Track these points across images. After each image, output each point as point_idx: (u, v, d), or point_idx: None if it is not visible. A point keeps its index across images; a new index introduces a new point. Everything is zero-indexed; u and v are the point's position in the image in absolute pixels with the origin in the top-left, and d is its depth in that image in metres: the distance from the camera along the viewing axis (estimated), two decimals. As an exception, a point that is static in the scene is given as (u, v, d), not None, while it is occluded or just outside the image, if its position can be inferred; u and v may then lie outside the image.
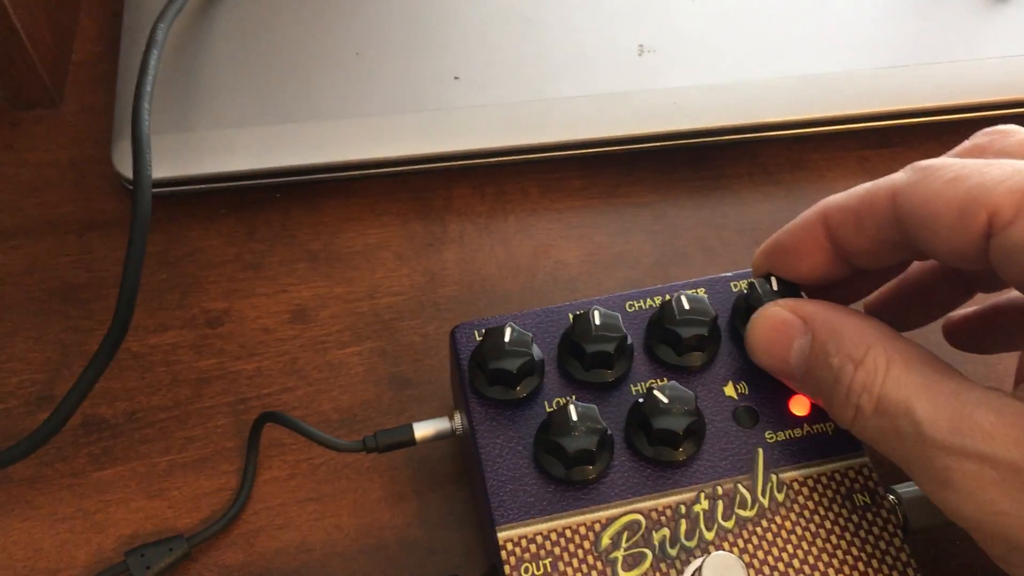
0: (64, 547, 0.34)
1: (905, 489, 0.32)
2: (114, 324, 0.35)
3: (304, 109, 0.42)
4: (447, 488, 0.35)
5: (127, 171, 0.40)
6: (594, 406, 0.30)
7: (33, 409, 0.37)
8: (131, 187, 0.41)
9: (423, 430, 0.34)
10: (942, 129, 0.44)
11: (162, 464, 0.36)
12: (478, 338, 0.33)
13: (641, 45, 0.44)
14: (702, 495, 0.30)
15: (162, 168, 0.40)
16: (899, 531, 0.30)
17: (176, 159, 0.40)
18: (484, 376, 0.32)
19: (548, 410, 0.32)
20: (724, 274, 0.35)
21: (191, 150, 0.41)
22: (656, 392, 0.31)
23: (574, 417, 0.30)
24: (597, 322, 0.32)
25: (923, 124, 0.44)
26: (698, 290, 0.34)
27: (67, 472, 0.35)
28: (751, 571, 0.29)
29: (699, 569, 0.28)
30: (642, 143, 0.43)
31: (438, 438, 0.34)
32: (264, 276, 0.40)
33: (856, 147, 0.44)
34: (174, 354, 0.38)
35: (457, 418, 0.34)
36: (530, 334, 0.32)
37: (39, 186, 0.42)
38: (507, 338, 0.31)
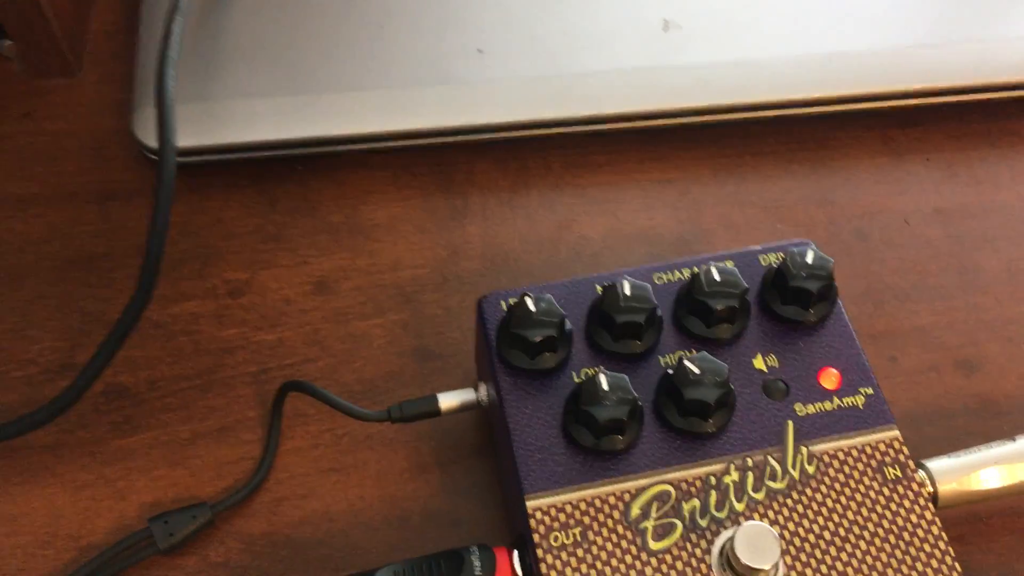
0: (86, 514, 0.34)
1: (935, 463, 0.31)
2: (138, 291, 0.35)
3: (326, 80, 0.42)
4: (471, 460, 0.35)
5: (148, 139, 0.40)
6: (624, 376, 0.30)
7: (54, 376, 0.36)
8: (151, 156, 0.40)
9: (448, 401, 0.33)
10: (966, 109, 0.44)
11: (184, 433, 0.35)
12: (505, 308, 0.33)
13: (666, 20, 0.44)
14: (732, 466, 0.30)
15: (183, 137, 0.39)
16: (930, 504, 0.30)
17: (197, 128, 0.40)
18: (512, 346, 0.31)
19: (576, 380, 0.31)
20: (753, 247, 0.34)
21: (212, 119, 0.41)
22: (687, 363, 0.30)
23: (605, 386, 0.30)
24: (627, 292, 0.32)
25: (948, 104, 0.43)
26: (727, 263, 0.34)
27: (88, 440, 0.35)
28: (782, 542, 0.29)
29: (731, 539, 0.28)
30: (666, 119, 0.42)
31: (463, 409, 0.34)
32: (285, 247, 0.40)
33: (881, 126, 0.44)
34: (195, 324, 0.38)
35: (482, 389, 0.33)
36: (556, 302, 0.32)
37: (58, 155, 0.42)
38: (535, 307, 0.31)
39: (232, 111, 0.41)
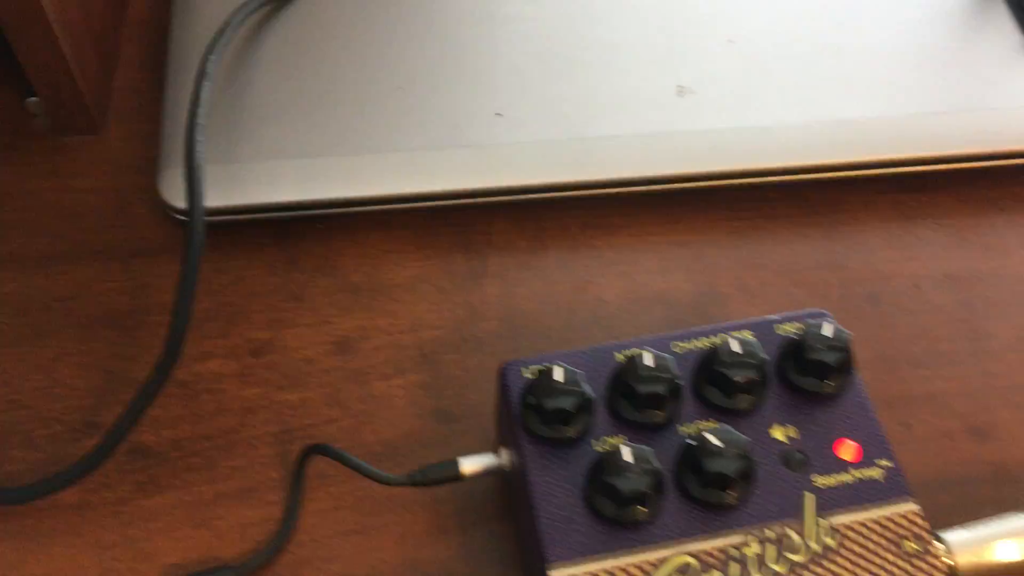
0: (108, 575, 0.34)
1: (954, 536, 0.32)
2: (166, 351, 0.35)
3: (348, 142, 0.42)
4: (491, 524, 0.35)
5: (175, 200, 0.40)
6: (649, 448, 0.31)
7: (79, 435, 0.37)
8: (177, 216, 0.41)
9: (470, 465, 0.34)
10: (976, 175, 0.45)
11: (208, 493, 0.36)
12: (526, 376, 0.33)
13: (680, 86, 0.45)
14: (752, 538, 0.31)
15: (208, 198, 0.40)
16: (948, 578, 0.30)
17: (221, 189, 0.41)
18: (536, 415, 0.32)
19: (597, 449, 0.32)
20: (770, 316, 0.35)
21: (236, 181, 0.41)
22: (708, 435, 0.31)
23: (628, 458, 0.30)
24: (650, 363, 0.32)
25: (957, 170, 0.44)
26: (744, 332, 0.34)
27: (113, 500, 0.36)
28: (802, 616, 0.29)
29: (753, 613, 0.28)
30: (681, 183, 0.43)
31: (485, 474, 0.34)
32: (307, 307, 0.41)
33: (892, 190, 0.45)
34: (218, 383, 0.38)
35: (503, 454, 0.34)
36: (582, 373, 0.32)
37: (83, 212, 0.43)
38: (560, 377, 0.32)
39: (256, 172, 0.41)
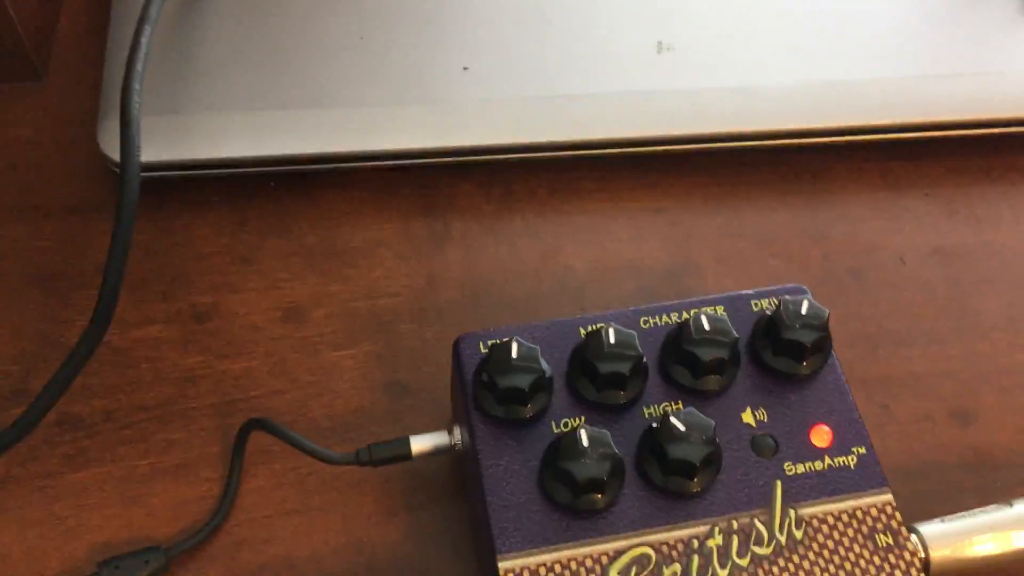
0: (33, 554, 0.32)
1: (928, 528, 0.30)
2: (96, 317, 0.33)
3: (303, 95, 0.40)
4: (442, 504, 0.33)
5: (113, 153, 0.38)
6: (606, 431, 0.29)
7: (6, 404, 0.34)
8: (117, 170, 0.38)
9: (420, 444, 0.32)
10: (967, 143, 0.42)
11: (141, 468, 0.34)
12: (483, 351, 0.31)
13: (660, 42, 0.42)
14: (716, 529, 0.29)
15: (151, 151, 0.38)
16: (921, 574, 0.28)
17: (166, 142, 0.38)
18: (489, 393, 0.30)
19: (556, 431, 0.30)
20: (745, 291, 0.33)
21: (183, 133, 0.39)
22: (672, 419, 0.29)
23: (585, 442, 0.28)
24: (612, 340, 0.30)
25: (949, 138, 0.42)
26: (717, 308, 0.32)
27: (39, 473, 0.33)
28: (767, 614, 0.27)
29: (713, 612, 0.26)
30: (658, 145, 0.41)
31: (436, 453, 0.32)
32: (255, 270, 0.38)
33: (879, 158, 0.43)
34: (157, 350, 0.36)
35: (457, 432, 0.32)
36: (538, 348, 0.30)
37: (19, 165, 0.40)
38: (515, 354, 0.30)
39: (204, 125, 0.39)
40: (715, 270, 0.39)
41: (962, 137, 0.42)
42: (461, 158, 0.40)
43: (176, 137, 0.38)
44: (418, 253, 0.39)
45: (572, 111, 0.40)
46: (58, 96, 0.42)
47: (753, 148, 0.41)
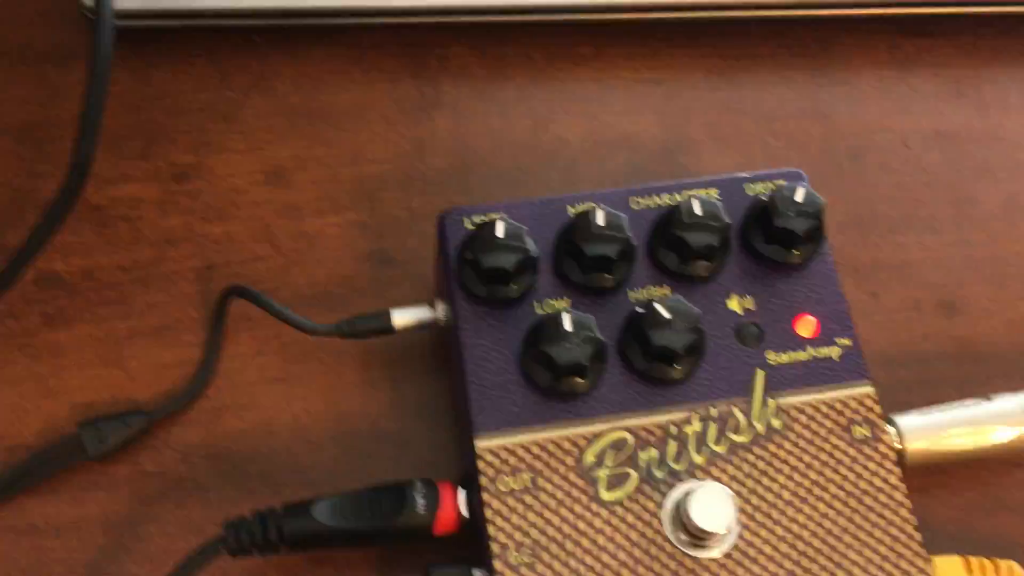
0: (14, 412, 0.32)
1: (905, 419, 0.30)
2: (71, 172, 0.32)
3: (290, -58, 0.38)
4: (424, 378, 0.33)
5: (88, -1, 0.36)
6: (590, 316, 0.28)
7: (-16, 259, 0.34)
8: (92, 15, 0.36)
9: (402, 318, 0.31)
10: (984, 21, 0.41)
11: (121, 330, 0.33)
12: (468, 227, 0.30)
13: (669, -101, 0.40)
14: (695, 416, 0.29)
15: (128, -1, 0.36)
16: (895, 468, 0.29)
17: (144, -11, 0.36)
18: (473, 272, 0.29)
19: (539, 312, 0.30)
20: (740, 174, 0.32)
21: (161, -20, 0.37)
22: (658, 305, 0.28)
23: (567, 327, 0.28)
24: (600, 222, 0.29)
25: (964, 14, 0.40)
26: (710, 191, 0.31)
27: (18, 331, 0.33)
28: (738, 499, 0.28)
29: (685, 497, 0.27)
30: (660, 12, 0.39)
31: (418, 328, 0.32)
32: (237, 130, 0.37)
33: (889, 31, 0.41)
34: (136, 209, 0.35)
35: (440, 307, 0.31)
36: (525, 228, 0.29)
37: (-10, 6, 0.38)
38: (501, 233, 0.29)
39: (183, -28, 0.37)
40: (711, 147, 0.38)
41: (978, 15, 0.40)
42: (455, 18, 0.38)
43: (154, -16, 0.36)
44: (406, 117, 0.38)
45: (572, -29, 0.38)
46: (29, -67, 0.39)
47: (759, 18, 0.40)
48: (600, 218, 0.29)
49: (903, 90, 0.40)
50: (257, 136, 0.37)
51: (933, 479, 0.33)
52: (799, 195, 0.30)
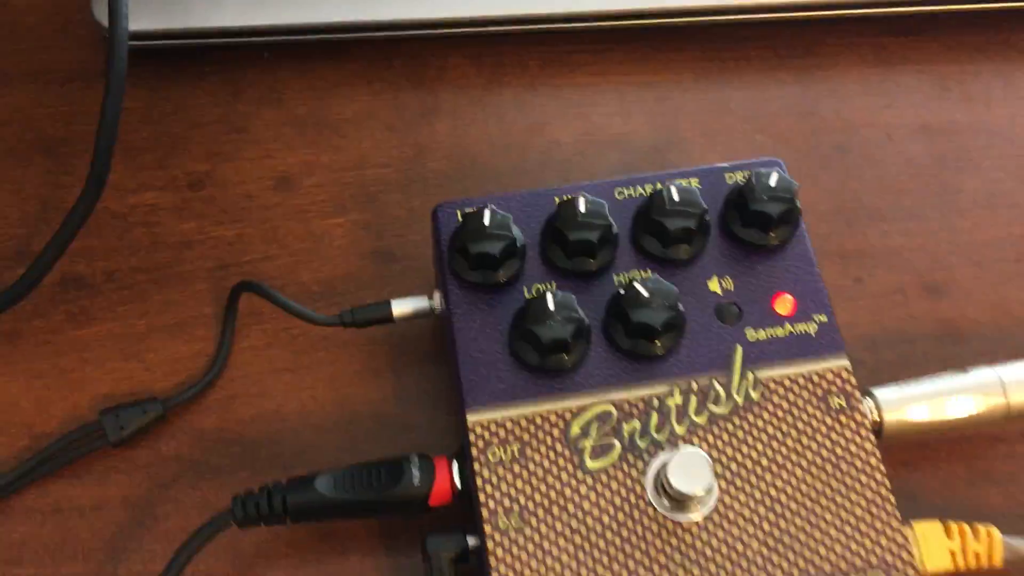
0: (40, 403, 0.34)
1: (883, 391, 0.31)
2: (90, 180, 0.34)
3: (296, -36, 0.40)
4: (425, 366, 0.35)
5: (105, 19, 0.38)
6: (572, 295, 0.30)
7: (11, 264, 0.36)
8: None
9: (401, 308, 0.33)
10: (967, 19, 0.42)
11: (140, 326, 0.35)
12: (460, 218, 0.32)
13: (656, -88, 0.42)
14: (676, 389, 0.30)
15: (145, 20, 0.38)
16: (871, 436, 0.30)
17: (160, 11, 0.39)
18: (463, 259, 0.31)
19: (527, 296, 0.31)
20: (720, 164, 0.34)
21: (177, 2, 0.39)
22: (637, 285, 0.30)
23: (551, 306, 0.29)
24: (582, 209, 0.31)
25: (948, 12, 0.41)
26: (691, 180, 0.33)
27: (44, 329, 0.35)
28: (718, 467, 0.29)
29: (665, 464, 0.28)
30: (651, 18, 0.41)
31: (417, 317, 0.33)
32: (249, 140, 0.39)
33: (874, 32, 0.42)
34: (154, 215, 0.37)
35: (437, 297, 0.33)
36: (511, 216, 0.31)
37: (18, 32, 0.41)
38: (487, 221, 0.31)
39: (196, -6, 0.39)
40: (700, 145, 0.40)
41: (960, 12, 0.41)
42: (453, 30, 0.40)
43: (170, 6, 0.39)
44: (407, 125, 0.40)
45: (564, -17, 0.40)
46: (55, -36, 0.42)
47: (746, 22, 0.41)
48: (582, 205, 0.31)
49: (888, 87, 0.41)
50: (267, 145, 0.39)
51: (918, 453, 0.34)
52: (773, 180, 0.31)
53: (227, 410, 0.34)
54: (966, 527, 0.30)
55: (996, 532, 0.30)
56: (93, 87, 0.40)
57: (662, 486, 0.28)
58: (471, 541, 0.29)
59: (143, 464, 0.33)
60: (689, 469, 0.28)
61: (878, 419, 0.31)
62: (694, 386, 0.30)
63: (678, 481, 0.27)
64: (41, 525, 0.32)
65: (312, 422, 0.34)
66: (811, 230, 0.34)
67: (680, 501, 0.28)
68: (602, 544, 0.28)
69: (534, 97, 0.41)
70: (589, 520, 0.28)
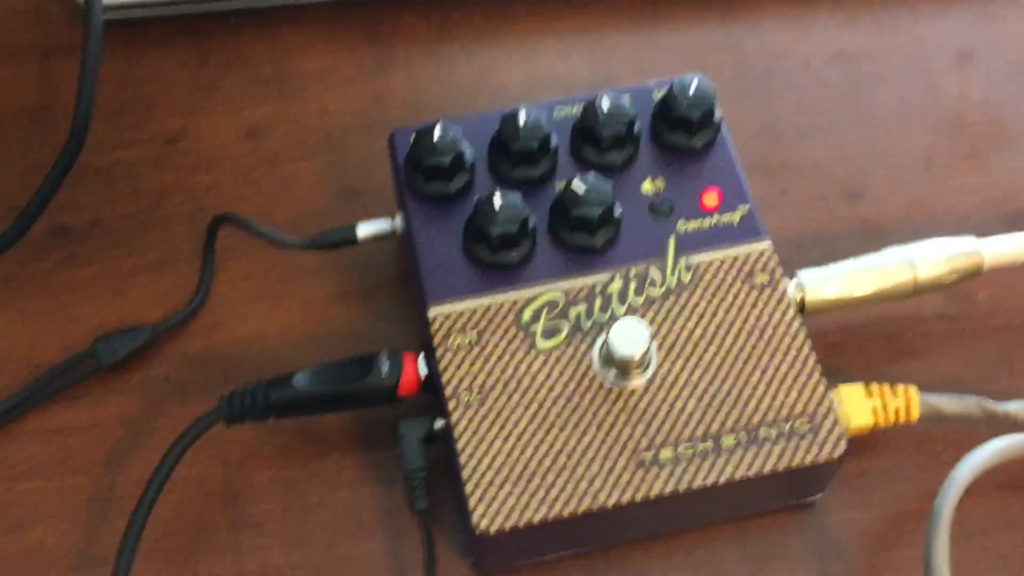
0: (37, 338, 0.37)
1: (806, 272, 0.35)
2: (72, 133, 0.37)
3: (254, -63, 0.43)
4: (391, 286, 0.38)
5: (83, -5, 0.41)
6: (517, 193, 0.33)
7: (7, 216, 0.39)
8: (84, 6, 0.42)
9: (366, 230, 0.36)
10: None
11: (126, 266, 0.38)
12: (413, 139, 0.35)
13: None
14: (616, 276, 0.33)
15: (117, -7, 0.41)
16: (792, 305, 0.33)
17: (130, -15, 0.42)
18: (419, 173, 0.34)
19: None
20: (647, 82, 0.37)
21: (145, -24, 0.42)
22: (575, 182, 0.33)
23: (498, 205, 0.33)
24: (522, 122, 0.34)
25: (855, -49, 0.45)
26: (624, 97, 0.36)
27: (38, 273, 0.38)
28: (657, 341, 0.32)
29: (608, 334, 0.31)
30: (582, -30, 0.44)
31: (380, 237, 0.36)
32: (220, 98, 0.42)
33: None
34: (135, 168, 0.41)
35: (398, 219, 0.36)
36: (460, 129, 0.34)
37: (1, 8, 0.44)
38: (436, 136, 0.34)
39: (162, -33, 0.42)
40: (636, 81, 0.43)
41: (867, -50, 0.45)
42: (402, -10, 0.44)
43: (138, -21, 0.42)
44: (365, 77, 0.43)
45: (502, -59, 0.44)
46: (30, -50, 0.45)
47: (671, -31, 0.45)
48: (522, 117, 0.34)
49: (804, 21, 0.45)
50: (236, 102, 0.42)
51: (844, 335, 0.37)
52: (692, 87, 0.35)
53: (211, 335, 0.37)
54: (887, 386, 0.33)
55: (914, 389, 0.33)
56: (71, 60, 0.43)
57: (607, 355, 0.31)
58: (438, 423, 0.32)
59: (135, 386, 0.36)
60: (627, 335, 0.31)
61: (801, 294, 0.34)
62: (632, 273, 0.33)
63: (619, 345, 0.31)
64: (45, 444, 0.35)
65: (289, 341, 0.37)
66: (740, 149, 0.37)
67: (622, 369, 0.31)
68: (555, 413, 0.31)
69: (480, 48, 0.44)
70: (542, 393, 0.31)
